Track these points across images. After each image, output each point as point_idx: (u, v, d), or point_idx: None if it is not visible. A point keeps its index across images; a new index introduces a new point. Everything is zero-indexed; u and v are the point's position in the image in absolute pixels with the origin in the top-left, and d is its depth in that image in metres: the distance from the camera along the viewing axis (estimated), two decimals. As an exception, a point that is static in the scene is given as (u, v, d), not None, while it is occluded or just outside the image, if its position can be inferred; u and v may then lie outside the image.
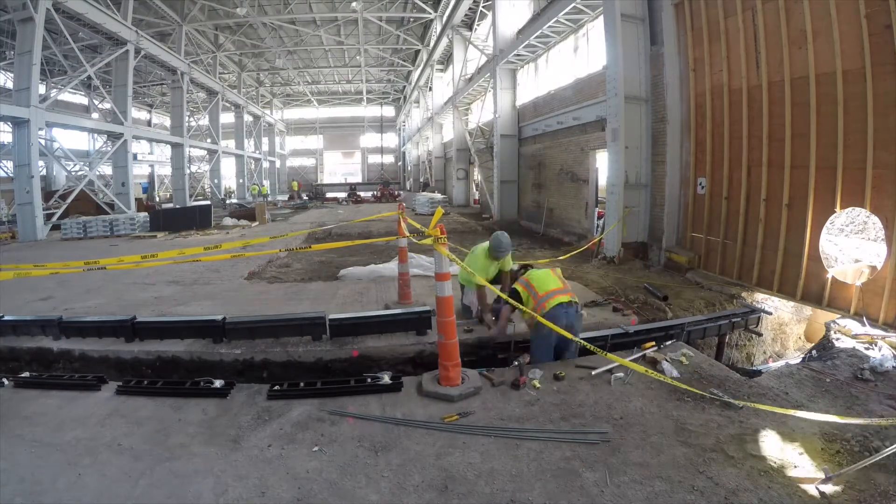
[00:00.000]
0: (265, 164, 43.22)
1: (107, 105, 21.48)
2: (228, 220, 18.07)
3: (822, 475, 2.65)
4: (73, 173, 18.56)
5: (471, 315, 5.30)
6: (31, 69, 14.10)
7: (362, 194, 34.32)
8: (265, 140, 43.11)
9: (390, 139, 53.91)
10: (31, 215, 14.75)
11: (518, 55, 14.99)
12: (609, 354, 3.64)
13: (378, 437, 3.15)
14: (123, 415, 3.49)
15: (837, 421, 3.14)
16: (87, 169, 19.17)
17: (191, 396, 3.72)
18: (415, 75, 34.74)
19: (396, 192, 35.04)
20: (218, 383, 3.82)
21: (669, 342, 4.67)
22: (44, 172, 23.35)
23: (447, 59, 25.72)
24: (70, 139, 26.69)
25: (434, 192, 27.90)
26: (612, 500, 2.55)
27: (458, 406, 3.52)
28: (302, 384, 3.83)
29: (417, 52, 32.50)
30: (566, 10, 11.03)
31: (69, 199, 17.05)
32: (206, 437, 3.19)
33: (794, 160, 5.94)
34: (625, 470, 2.77)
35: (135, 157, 25.00)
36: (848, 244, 6.41)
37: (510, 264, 5.20)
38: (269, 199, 35.48)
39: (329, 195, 36.46)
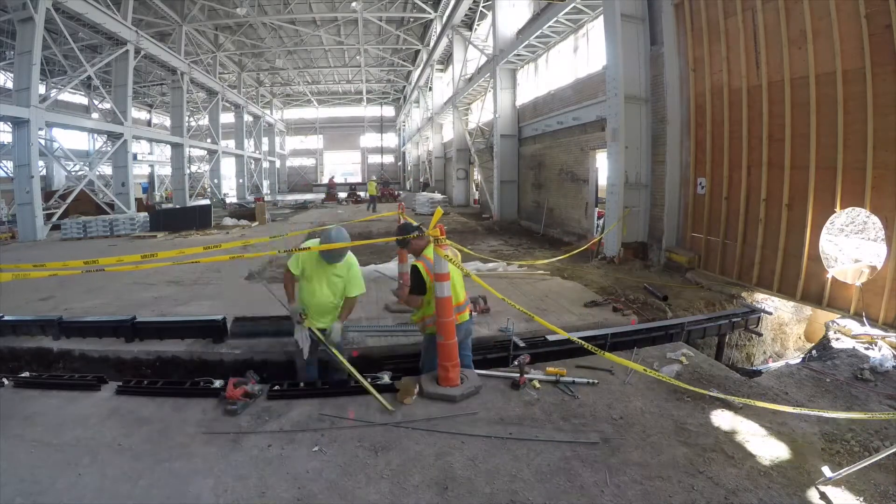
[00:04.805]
0: (265, 164, 43.24)
1: (107, 105, 21.47)
2: (228, 220, 18.08)
3: (822, 475, 2.66)
4: (73, 173, 18.57)
5: (302, 357, 3.94)
6: (31, 69, 14.10)
7: (362, 194, 34.27)
8: (265, 140, 43.12)
9: (390, 139, 53.91)
10: (31, 215, 14.74)
11: (518, 55, 14.99)
12: (608, 354, 3.65)
13: (378, 437, 3.15)
14: (123, 415, 3.49)
15: (834, 417, 3.14)
16: (87, 169, 19.17)
17: (191, 396, 3.72)
18: (415, 75, 34.74)
19: (396, 192, 34.98)
20: (218, 383, 3.81)
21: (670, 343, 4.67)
22: (44, 172, 23.36)
23: (447, 59, 25.72)
24: (70, 139, 26.71)
25: (434, 192, 27.90)
26: (611, 499, 2.55)
27: (459, 406, 3.52)
28: (302, 384, 3.83)
29: (417, 52, 32.50)
30: (566, 10, 11.03)
31: (69, 199, 17.04)
32: (206, 437, 3.19)
33: (793, 160, 5.94)
34: (625, 470, 2.77)
35: (135, 157, 25.00)
36: (848, 244, 6.41)
37: (360, 287, 3.98)
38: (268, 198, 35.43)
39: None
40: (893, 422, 3.21)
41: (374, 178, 33.14)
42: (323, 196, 34.37)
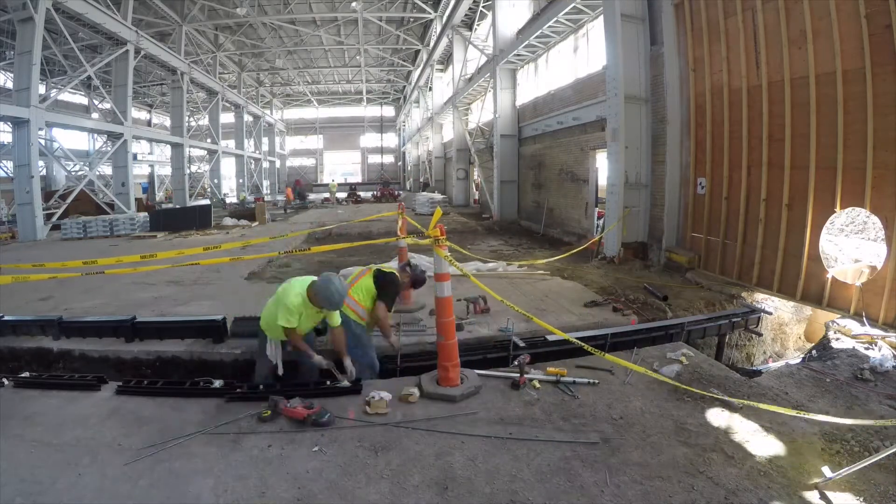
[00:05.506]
0: (265, 164, 43.22)
1: (107, 105, 21.47)
2: (228, 220, 18.07)
3: (822, 475, 2.66)
4: (73, 173, 18.56)
5: (275, 372, 3.96)
6: (31, 69, 14.09)
7: (362, 194, 34.24)
8: (265, 140, 43.09)
9: (390, 139, 53.91)
10: (31, 215, 14.74)
11: (518, 55, 14.99)
12: (608, 355, 3.64)
13: (378, 437, 3.15)
14: (123, 415, 3.49)
15: (835, 421, 3.14)
16: (87, 169, 19.16)
17: (191, 396, 3.72)
18: (415, 75, 34.74)
19: (397, 192, 34.92)
20: (218, 383, 3.81)
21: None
22: (44, 172, 23.35)
23: (447, 59, 25.71)
24: (70, 139, 26.69)
25: (434, 192, 27.88)
26: (611, 499, 2.55)
27: (459, 406, 3.52)
28: (310, 384, 3.83)
29: (417, 52, 32.50)
30: (566, 10, 11.03)
31: (69, 199, 17.04)
32: (206, 437, 3.19)
33: (793, 160, 5.94)
34: (625, 470, 2.77)
35: (135, 157, 24.98)
36: (848, 244, 6.41)
37: (337, 318, 3.93)
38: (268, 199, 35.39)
39: (326, 195, 36.30)
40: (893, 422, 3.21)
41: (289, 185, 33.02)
42: (324, 196, 34.42)
